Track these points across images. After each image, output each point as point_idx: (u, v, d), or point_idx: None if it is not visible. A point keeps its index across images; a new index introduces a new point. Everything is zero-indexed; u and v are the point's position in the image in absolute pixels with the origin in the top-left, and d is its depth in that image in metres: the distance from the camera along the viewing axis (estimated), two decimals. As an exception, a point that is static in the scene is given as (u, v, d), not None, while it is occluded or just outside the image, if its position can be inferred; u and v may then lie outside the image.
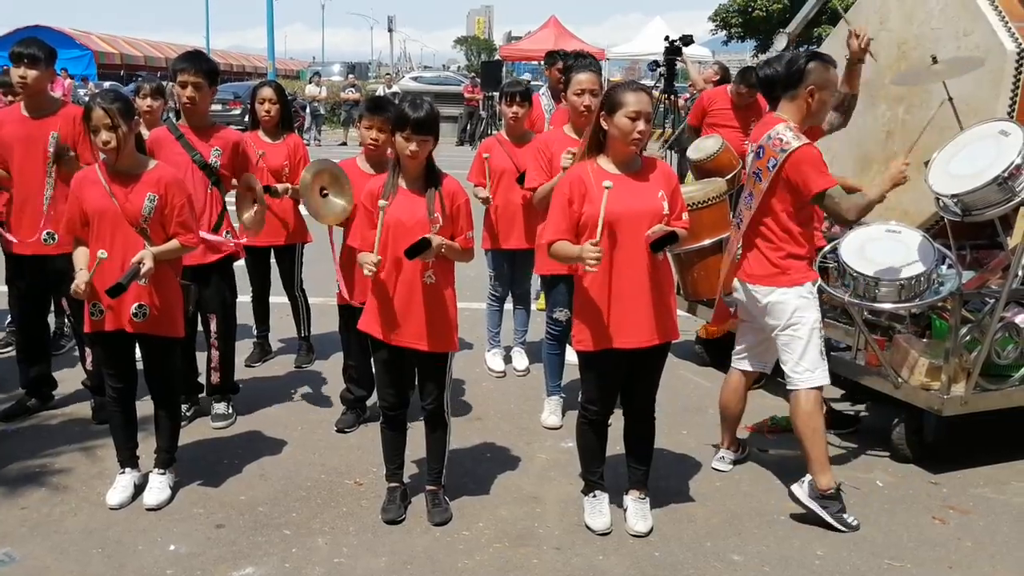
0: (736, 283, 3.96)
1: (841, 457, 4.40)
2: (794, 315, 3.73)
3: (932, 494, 4.07)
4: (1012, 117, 4.42)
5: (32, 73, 4.30)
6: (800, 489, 3.75)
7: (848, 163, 5.43)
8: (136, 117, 3.66)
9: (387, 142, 4.21)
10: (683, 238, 3.49)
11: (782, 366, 3.85)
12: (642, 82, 4.12)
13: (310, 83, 22.85)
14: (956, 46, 4.75)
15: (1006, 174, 3.90)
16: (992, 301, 4.14)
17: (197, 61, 4.37)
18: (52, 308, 5.27)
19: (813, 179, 3.60)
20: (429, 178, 3.55)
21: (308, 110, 21.48)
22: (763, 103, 6.97)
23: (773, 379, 4.32)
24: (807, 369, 3.74)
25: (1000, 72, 4.55)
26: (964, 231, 4.60)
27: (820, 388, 3.78)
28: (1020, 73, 4.51)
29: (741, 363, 4.13)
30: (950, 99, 4.37)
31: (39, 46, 4.35)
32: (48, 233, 4.37)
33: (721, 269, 4.10)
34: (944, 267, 4.25)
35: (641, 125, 3.34)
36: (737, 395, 4.15)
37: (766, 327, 3.86)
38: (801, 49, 4.70)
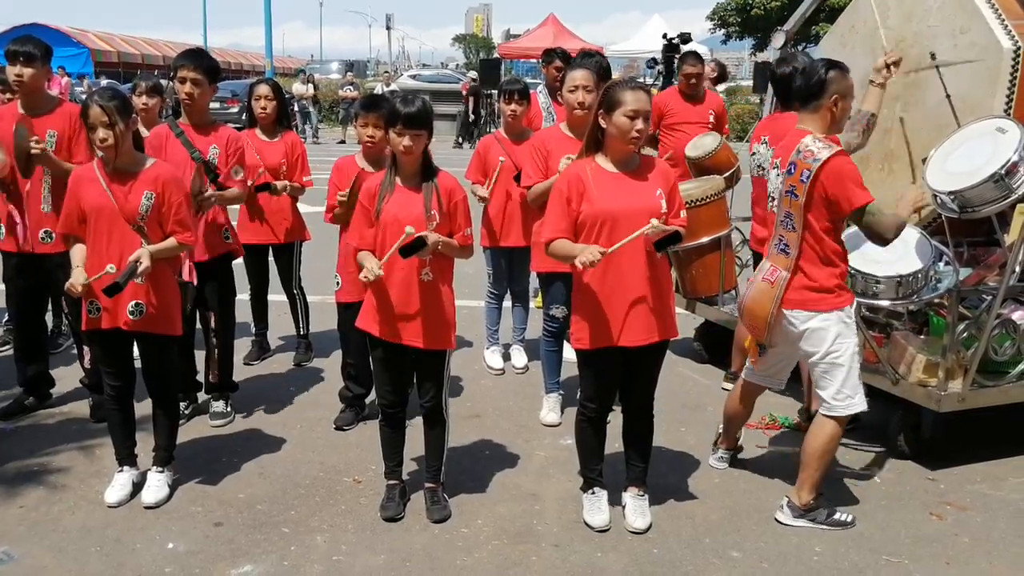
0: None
1: (839, 454, 4.39)
2: (835, 342, 3.56)
3: (930, 490, 4.07)
4: (1009, 114, 4.42)
5: (28, 71, 4.29)
6: (784, 515, 3.72)
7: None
8: (133, 115, 3.65)
9: (384, 139, 4.21)
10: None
11: (819, 392, 3.69)
12: (640, 80, 4.11)
13: (298, 81, 22.74)
14: (953, 43, 4.75)
15: (1003, 171, 3.92)
16: (989, 298, 4.15)
17: (198, 58, 4.36)
18: (50, 306, 5.26)
19: (855, 193, 3.41)
20: (426, 175, 3.55)
21: (296, 107, 21.40)
22: (711, 95, 6.83)
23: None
24: (848, 396, 3.61)
25: (997, 70, 4.55)
26: (961, 228, 4.61)
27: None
28: (1017, 71, 4.51)
29: (755, 379, 4.03)
30: (948, 96, 4.38)
31: (35, 44, 4.33)
32: (46, 231, 4.37)
33: (760, 301, 3.68)
34: (941, 264, 4.26)
35: (640, 124, 3.34)
36: (744, 404, 4.09)
37: (800, 353, 3.72)
38: (799, 47, 4.69)
